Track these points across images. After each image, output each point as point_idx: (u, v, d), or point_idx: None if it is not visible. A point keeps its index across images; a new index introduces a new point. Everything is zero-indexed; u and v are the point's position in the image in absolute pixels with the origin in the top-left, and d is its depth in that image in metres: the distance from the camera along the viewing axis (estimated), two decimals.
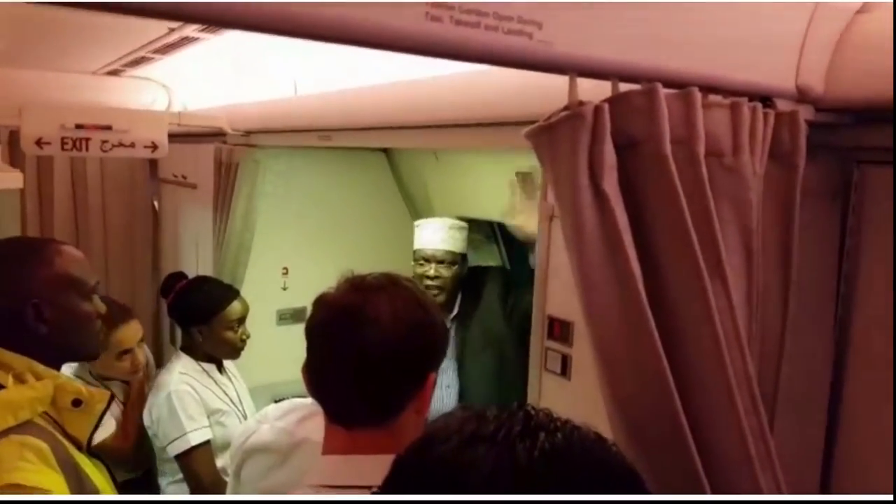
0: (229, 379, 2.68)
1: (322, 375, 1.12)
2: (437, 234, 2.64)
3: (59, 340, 1.35)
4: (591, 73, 0.84)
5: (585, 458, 0.62)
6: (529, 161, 2.46)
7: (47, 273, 1.35)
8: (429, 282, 2.59)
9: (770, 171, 0.97)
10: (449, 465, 0.62)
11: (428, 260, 2.62)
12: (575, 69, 0.81)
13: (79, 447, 1.33)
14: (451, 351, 2.72)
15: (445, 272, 2.61)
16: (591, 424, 0.67)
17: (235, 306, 2.59)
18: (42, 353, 1.32)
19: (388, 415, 1.09)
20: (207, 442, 2.44)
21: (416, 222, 2.74)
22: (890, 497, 0.91)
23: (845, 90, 1.03)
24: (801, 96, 1.02)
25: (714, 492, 0.87)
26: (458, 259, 2.65)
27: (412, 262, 2.70)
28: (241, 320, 2.60)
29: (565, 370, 1.46)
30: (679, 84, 0.87)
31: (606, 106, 0.80)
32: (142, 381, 2.60)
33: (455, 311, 2.71)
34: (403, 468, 0.67)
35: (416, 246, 2.67)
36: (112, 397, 1.40)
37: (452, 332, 2.70)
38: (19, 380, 1.27)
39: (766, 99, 0.99)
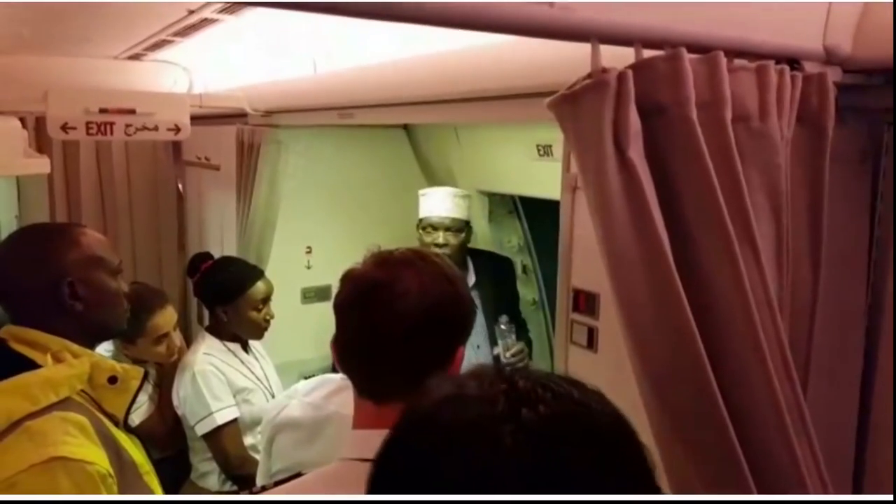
0: (255, 357, 2.71)
1: (351, 350, 1.13)
2: (443, 203, 2.71)
3: (93, 318, 1.39)
4: (613, 39, 0.83)
5: (573, 427, 0.60)
6: (549, 134, 2.44)
7: (77, 253, 1.39)
8: (436, 248, 2.66)
9: (798, 135, 0.96)
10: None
11: (435, 228, 2.70)
12: (597, 35, 0.80)
13: (115, 423, 1.37)
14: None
15: (453, 239, 2.70)
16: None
17: (259, 287, 2.61)
18: (76, 332, 1.36)
19: (417, 389, 1.10)
20: (234, 420, 2.48)
21: (421, 191, 2.81)
22: (890, 497, 0.91)
23: (874, 50, 1.00)
24: (829, 57, 1.00)
25: (750, 462, 0.86)
26: (463, 226, 2.74)
27: (418, 231, 2.78)
28: (266, 300, 2.62)
29: (592, 343, 1.45)
30: (704, 49, 0.86)
31: (630, 72, 0.79)
32: (175, 365, 2.65)
33: (474, 280, 2.81)
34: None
35: (422, 214, 2.75)
36: (146, 374, 1.43)
37: (478, 298, 2.75)
38: (56, 359, 1.30)
39: (793, 61, 0.97)
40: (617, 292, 0.86)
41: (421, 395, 0.67)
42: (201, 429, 2.46)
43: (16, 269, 1.37)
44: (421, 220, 2.77)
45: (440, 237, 2.69)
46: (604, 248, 0.84)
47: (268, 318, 2.63)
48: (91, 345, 1.41)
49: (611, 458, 0.60)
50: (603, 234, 0.83)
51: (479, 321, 2.74)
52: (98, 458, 1.21)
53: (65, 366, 1.29)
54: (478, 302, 2.66)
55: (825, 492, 0.89)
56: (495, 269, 2.91)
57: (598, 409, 0.63)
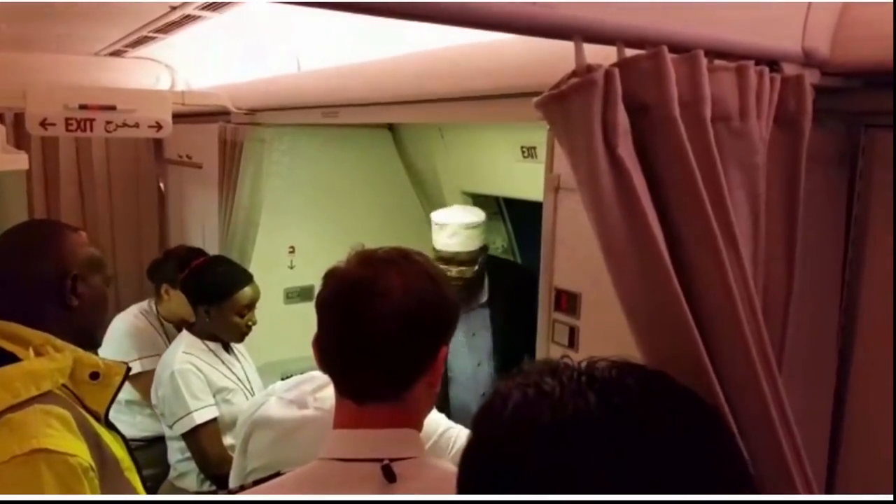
0: (236, 357, 2.68)
1: (333, 349, 1.13)
2: (453, 238, 2.55)
3: (83, 317, 1.41)
4: (596, 37, 0.83)
5: (665, 410, 0.64)
6: (534, 136, 2.45)
7: (85, 251, 1.43)
8: (452, 282, 2.54)
9: (775, 136, 0.96)
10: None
11: (449, 261, 2.52)
12: (580, 33, 0.81)
13: (97, 419, 1.36)
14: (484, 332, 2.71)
15: (468, 272, 2.55)
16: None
17: (246, 292, 2.56)
18: (62, 330, 1.36)
19: (399, 388, 1.09)
20: (213, 420, 2.46)
21: (433, 217, 2.61)
22: (890, 497, 0.92)
23: (852, 53, 1.02)
24: (807, 60, 1.01)
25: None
26: (476, 255, 2.58)
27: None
28: (251, 306, 2.58)
29: (573, 342, 1.46)
30: (684, 48, 0.87)
31: (616, 70, 0.79)
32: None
33: (486, 297, 2.68)
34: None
35: (435, 246, 2.57)
36: (128, 370, 1.42)
37: (487, 316, 2.69)
38: (38, 353, 1.30)
39: (772, 63, 0.98)
40: (616, 286, 0.87)
41: (494, 398, 0.67)
42: (180, 428, 2.44)
43: (22, 256, 1.38)
44: (434, 250, 2.57)
45: (454, 271, 2.50)
46: (601, 245, 0.85)
47: (250, 323, 2.59)
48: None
49: (698, 431, 0.64)
50: (597, 230, 0.83)
51: (486, 339, 2.69)
52: (80, 450, 1.21)
53: (47, 359, 1.29)
54: (487, 319, 2.66)
55: (809, 488, 0.90)
56: (512, 284, 2.70)
57: (674, 389, 0.67)
